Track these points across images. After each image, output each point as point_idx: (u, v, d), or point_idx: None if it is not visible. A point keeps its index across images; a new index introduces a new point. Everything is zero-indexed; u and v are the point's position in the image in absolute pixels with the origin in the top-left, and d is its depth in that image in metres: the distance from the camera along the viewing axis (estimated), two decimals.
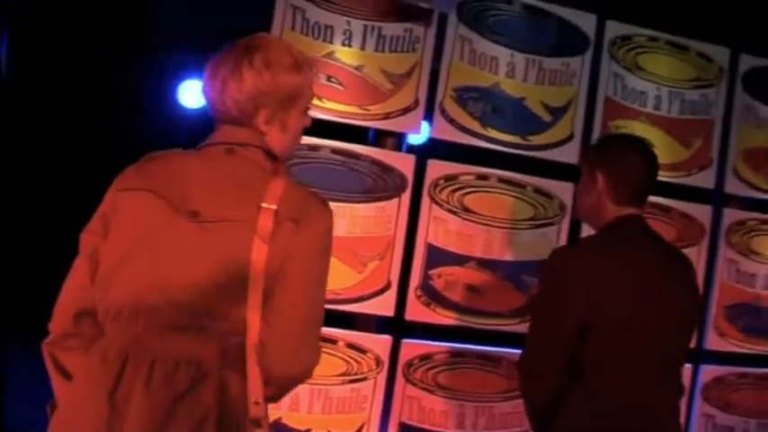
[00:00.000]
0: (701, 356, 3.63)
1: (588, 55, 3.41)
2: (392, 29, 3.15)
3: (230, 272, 1.54)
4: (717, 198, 3.67)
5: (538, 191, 3.34)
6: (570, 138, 3.39)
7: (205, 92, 1.74)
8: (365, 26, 3.11)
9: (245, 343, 1.53)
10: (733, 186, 3.67)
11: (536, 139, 3.34)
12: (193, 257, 1.55)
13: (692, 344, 3.53)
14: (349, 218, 3.08)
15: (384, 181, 3.15)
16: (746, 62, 3.66)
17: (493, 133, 3.29)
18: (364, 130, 3.20)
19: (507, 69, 3.30)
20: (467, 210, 3.25)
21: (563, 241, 3.37)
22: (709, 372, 3.65)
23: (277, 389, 1.62)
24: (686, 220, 3.57)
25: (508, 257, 3.31)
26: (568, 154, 3.39)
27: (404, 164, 3.18)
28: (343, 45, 3.09)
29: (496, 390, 3.31)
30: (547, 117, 3.36)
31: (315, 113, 2.94)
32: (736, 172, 3.66)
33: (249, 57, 1.66)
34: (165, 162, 1.70)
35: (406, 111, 3.16)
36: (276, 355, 1.56)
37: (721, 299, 3.64)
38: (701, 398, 3.62)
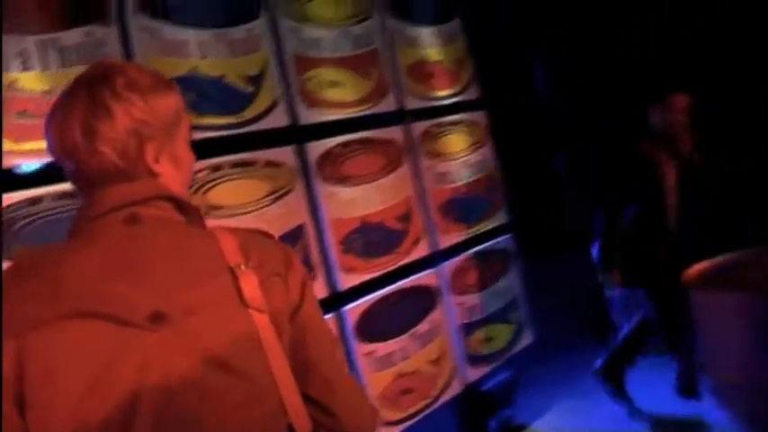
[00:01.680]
0: (438, 258, 3.97)
1: (265, 16, 3.29)
2: (71, 37, 2.64)
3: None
4: (403, 117, 3.91)
5: (268, 163, 3.21)
6: (275, 103, 3.28)
7: (54, 151, 1.27)
8: (41, 41, 2.56)
9: None
10: (411, 102, 3.95)
11: (248, 113, 3.17)
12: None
13: (427, 250, 3.88)
14: None
15: None
16: None
17: (208, 120, 3.02)
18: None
19: (199, 50, 3.03)
20: (214, 207, 2.99)
21: (303, 205, 3.33)
22: (448, 268, 4.01)
23: None
24: (387, 145, 3.77)
25: None
26: (279, 118, 3.30)
27: None
28: (24, 70, 2.51)
29: None
30: (248, 88, 3.19)
31: (17, 161, 2.46)
32: (408, 89, 3.94)
33: (107, 86, 1.24)
34: (51, 269, 1.18)
35: None
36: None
37: (434, 202, 3.98)
38: (451, 292, 3.98)
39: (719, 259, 3.32)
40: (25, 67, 2.51)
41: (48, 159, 2.52)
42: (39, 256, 1.23)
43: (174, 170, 1.31)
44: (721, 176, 4.07)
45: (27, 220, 2.47)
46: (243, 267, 1.24)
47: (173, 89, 1.34)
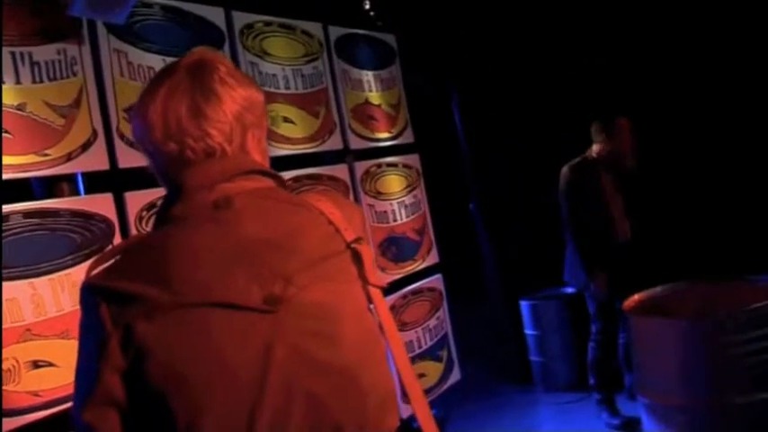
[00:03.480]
0: None
1: (226, 48, 3.28)
2: (44, 53, 2.54)
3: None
4: (348, 155, 3.97)
5: None
6: None
7: (153, 136, 1.20)
8: (13, 54, 2.45)
9: None
10: (354, 142, 4.01)
11: None
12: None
13: None
14: (69, 288, 2.47)
15: (90, 232, 2.59)
16: (334, 32, 3.97)
17: None
18: (46, 180, 2.56)
19: None
20: None
21: None
22: None
23: None
24: (333, 181, 3.80)
25: None
26: None
27: (103, 205, 2.65)
28: None
29: None
30: None
31: None
32: (351, 129, 4.00)
33: (212, 72, 1.23)
34: (163, 260, 1.12)
35: (86, 146, 2.63)
36: None
37: (374, 239, 4.02)
38: None
39: (657, 289, 3.53)
40: None
41: (15, 176, 2.43)
42: (144, 245, 1.18)
43: (264, 161, 1.31)
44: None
45: None
46: (361, 242, 1.23)
47: (257, 86, 1.34)
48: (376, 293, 1.24)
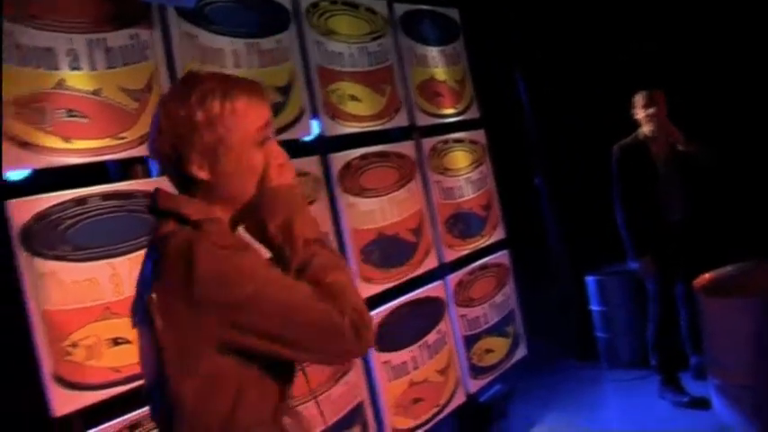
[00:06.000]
0: (445, 270, 3.92)
1: (293, 28, 3.23)
2: (117, 38, 2.53)
3: None
4: (414, 132, 3.88)
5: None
6: (302, 113, 3.21)
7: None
8: (89, 41, 2.45)
9: None
10: (420, 118, 3.93)
11: (276, 123, 3.09)
12: None
13: (436, 262, 3.84)
14: None
15: None
16: (399, 9, 3.88)
17: None
18: (121, 163, 2.56)
19: (233, 59, 2.94)
20: None
21: (326, 215, 3.25)
22: (453, 280, 3.97)
23: None
24: (401, 159, 3.73)
25: None
26: (305, 128, 3.23)
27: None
28: (73, 69, 2.39)
29: (326, 376, 3.13)
30: (278, 98, 3.11)
31: (65, 159, 2.34)
32: (417, 105, 3.92)
33: None
34: None
35: None
36: None
37: (441, 216, 3.94)
38: (455, 304, 3.93)
39: (727, 268, 3.38)
40: (74, 66, 2.41)
41: (93, 159, 2.44)
42: None
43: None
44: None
45: (73, 220, 2.34)
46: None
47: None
48: None
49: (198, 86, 1.36)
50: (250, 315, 1.27)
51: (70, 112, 2.37)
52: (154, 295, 1.30)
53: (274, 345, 1.29)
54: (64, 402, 2.22)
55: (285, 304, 1.29)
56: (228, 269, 1.27)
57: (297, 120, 3.18)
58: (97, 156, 2.42)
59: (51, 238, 2.27)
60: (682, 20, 4.84)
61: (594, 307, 5.02)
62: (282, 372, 1.39)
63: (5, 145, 2.19)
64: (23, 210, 2.22)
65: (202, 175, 1.37)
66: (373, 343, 1.37)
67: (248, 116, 1.37)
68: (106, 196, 2.43)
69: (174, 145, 1.35)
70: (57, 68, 2.35)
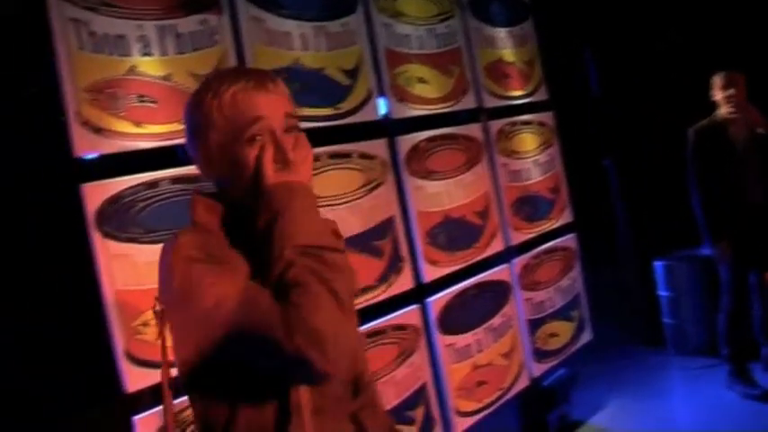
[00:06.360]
0: (511, 254, 3.87)
1: (360, 11, 3.20)
2: (187, 24, 2.56)
3: None
4: (482, 114, 3.82)
5: (362, 155, 3.12)
6: (370, 95, 3.19)
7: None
8: (159, 27, 2.48)
9: None
10: (488, 100, 3.85)
11: (344, 106, 3.08)
12: None
13: (502, 245, 3.79)
14: None
15: None
16: None
17: (308, 111, 2.93)
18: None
19: (301, 42, 2.94)
20: None
21: (393, 198, 3.23)
22: (518, 264, 3.91)
23: None
24: (469, 141, 3.68)
25: (357, 230, 3.06)
26: (372, 111, 3.21)
27: None
28: (144, 55, 2.43)
29: (391, 357, 3.14)
30: (346, 81, 3.10)
31: (136, 143, 2.38)
32: (485, 87, 3.85)
33: None
34: None
35: None
36: None
37: (508, 198, 3.88)
38: (520, 288, 3.88)
39: None
40: (145, 53, 2.44)
41: (166, 143, 2.49)
42: None
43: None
44: None
45: (145, 203, 2.40)
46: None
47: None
48: None
49: (199, 86, 1.36)
50: (191, 328, 1.24)
51: (141, 98, 2.41)
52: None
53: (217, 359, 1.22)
54: (135, 379, 2.28)
55: (214, 321, 1.19)
56: (179, 281, 1.23)
57: (365, 102, 3.16)
58: (167, 140, 2.46)
59: (124, 220, 2.33)
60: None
61: (663, 292, 4.88)
62: (273, 384, 1.27)
63: (81, 130, 2.25)
64: (97, 193, 2.28)
65: (205, 173, 1.36)
66: (341, 373, 1.19)
67: (235, 110, 1.29)
68: (175, 180, 2.46)
69: (187, 146, 1.38)
70: (129, 55, 2.39)
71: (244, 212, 1.30)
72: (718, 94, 4.02)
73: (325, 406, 1.30)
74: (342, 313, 1.17)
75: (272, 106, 1.31)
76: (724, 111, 4.01)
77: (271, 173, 1.27)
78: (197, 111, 1.33)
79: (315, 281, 1.17)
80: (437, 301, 3.35)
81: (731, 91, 3.94)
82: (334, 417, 1.33)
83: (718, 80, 4.02)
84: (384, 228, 3.15)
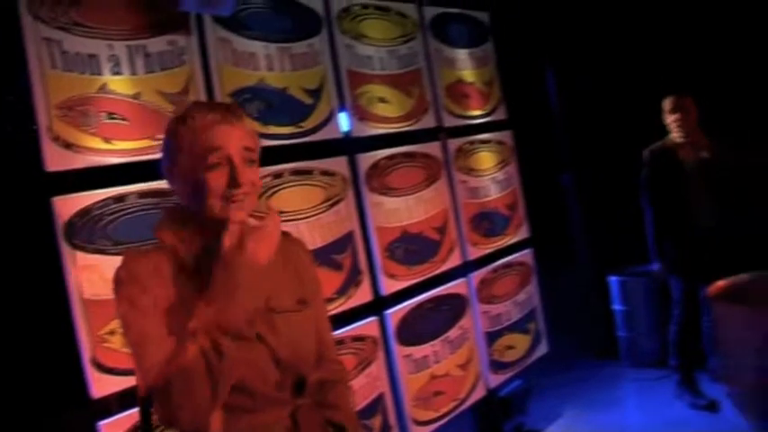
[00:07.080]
0: (468, 268, 4.01)
1: (324, 32, 3.34)
2: (156, 44, 2.67)
3: None
4: (441, 133, 3.96)
5: (324, 172, 3.25)
6: (332, 114, 3.33)
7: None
8: (129, 47, 2.59)
9: None
10: (448, 120, 4.01)
11: (307, 124, 3.21)
12: None
13: (459, 260, 3.92)
14: None
15: None
16: (429, 12, 3.96)
17: (273, 129, 3.05)
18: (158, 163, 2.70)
19: (266, 62, 3.07)
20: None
21: (353, 213, 3.36)
22: (476, 278, 4.06)
23: None
24: (428, 159, 3.82)
25: (318, 244, 3.18)
26: (334, 129, 3.34)
27: None
28: (114, 74, 2.53)
29: (350, 367, 3.25)
30: (308, 100, 3.23)
31: (106, 158, 2.48)
32: (445, 107, 4.00)
33: None
34: None
35: None
36: None
37: (466, 214, 4.03)
38: (477, 301, 4.02)
39: (742, 276, 3.42)
40: (116, 71, 2.55)
41: (132, 159, 2.58)
42: None
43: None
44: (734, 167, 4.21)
45: (113, 216, 2.49)
46: None
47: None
48: None
49: (177, 114, 1.54)
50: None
51: (111, 115, 2.51)
52: None
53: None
54: (101, 385, 2.38)
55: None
56: (117, 308, 1.46)
57: (327, 121, 3.29)
58: (136, 156, 2.56)
59: (92, 232, 2.43)
60: (716, 22, 4.82)
61: (617, 306, 5.07)
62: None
63: (52, 146, 2.35)
64: (67, 206, 2.38)
65: (175, 190, 1.55)
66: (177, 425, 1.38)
67: (200, 138, 1.46)
68: (143, 194, 2.57)
69: (162, 165, 1.55)
70: (99, 74, 2.49)
71: (207, 225, 1.49)
72: (667, 118, 4.21)
73: (256, 407, 1.48)
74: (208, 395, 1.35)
75: (233, 138, 1.48)
76: (673, 134, 4.20)
77: (218, 208, 1.46)
78: (171, 135, 1.51)
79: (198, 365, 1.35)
80: (395, 313, 3.48)
81: (677, 115, 4.13)
82: (265, 416, 1.49)
83: (666, 104, 4.21)
84: (344, 242, 3.28)
